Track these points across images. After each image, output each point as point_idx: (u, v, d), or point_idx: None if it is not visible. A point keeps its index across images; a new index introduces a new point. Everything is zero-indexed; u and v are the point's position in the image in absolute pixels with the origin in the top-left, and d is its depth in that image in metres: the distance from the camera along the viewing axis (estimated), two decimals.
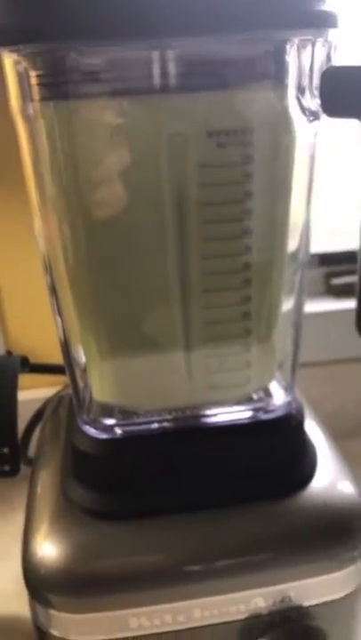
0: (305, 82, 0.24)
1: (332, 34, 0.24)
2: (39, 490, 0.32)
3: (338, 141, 0.51)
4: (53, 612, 0.27)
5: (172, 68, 0.23)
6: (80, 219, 0.26)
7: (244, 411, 0.30)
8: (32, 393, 0.45)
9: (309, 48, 0.23)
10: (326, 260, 0.56)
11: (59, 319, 0.30)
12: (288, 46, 0.23)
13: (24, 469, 0.38)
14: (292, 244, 0.29)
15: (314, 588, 0.28)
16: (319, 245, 0.57)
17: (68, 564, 0.27)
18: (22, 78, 0.24)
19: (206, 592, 0.27)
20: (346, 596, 0.29)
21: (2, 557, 0.45)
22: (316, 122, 0.25)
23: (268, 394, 0.31)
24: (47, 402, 0.41)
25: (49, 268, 0.29)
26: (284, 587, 0.28)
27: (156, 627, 0.27)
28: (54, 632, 0.28)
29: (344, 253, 0.57)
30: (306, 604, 0.29)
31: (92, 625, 0.27)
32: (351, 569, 0.29)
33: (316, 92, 0.23)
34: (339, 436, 0.35)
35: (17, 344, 0.51)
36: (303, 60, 0.23)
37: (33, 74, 0.23)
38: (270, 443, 0.30)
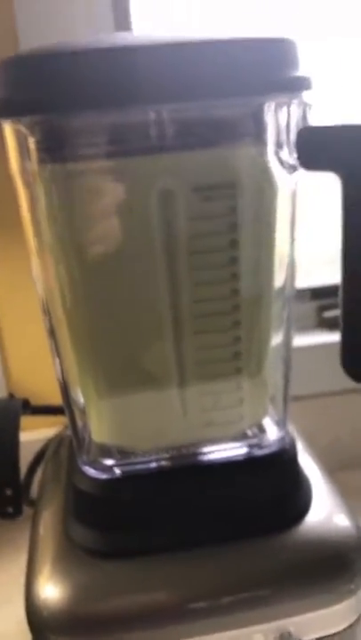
0: (283, 138, 0.26)
1: (306, 95, 0.26)
2: (41, 531, 0.32)
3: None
4: None
5: (160, 131, 0.25)
6: (76, 266, 0.27)
7: (238, 447, 0.31)
8: (33, 434, 0.46)
9: (285, 109, 0.25)
10: (318, 293, 0.57)
11: (57, 360, 0.31)
12: (266, 107, 0.25)
13: (26, 510, 0.38)
14: (279, 281, 0.30)
15: (314, 622, 0.29)
16: (316, 276, 0.59)
17: (70, 606, 0.28)
18: (21, 143, 0.25)
19: (207, 630, 0.28)
20: (346, 628, 0.29)
21: (5, 600, 0.45)
22: (295, 172, 0.27)
23: (261, 430, 0.32)
24: (48, 442, 0.42)
25: (47, 311, 0.30)
26: (283, 622, 0.28)
27: None
28: None
29: (335, 287, 0.58)
30: (306, 638, 0.29)
31: None
32: (350, 601, 0.29)
33: (294, 148, 0.25)
34: (334, 469, 0.36)
35: (19, 386, 0.52)
36: (280, 119, 0.25)
37: (31, 140, 0.25)
38: (265, 478, 0.31)
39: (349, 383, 0.55)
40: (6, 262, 0.49)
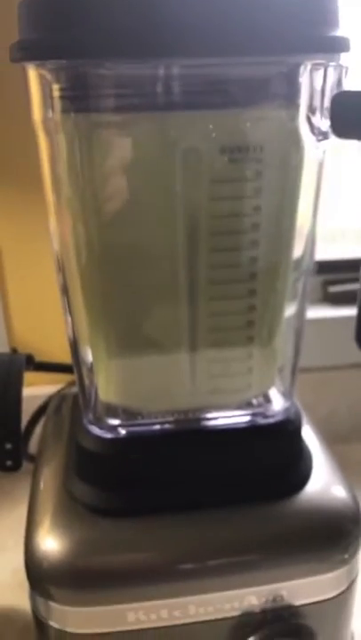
0: (316, 103, 0.25)
1: (343, 58, 0.25)
2: (42, 485, 0.33)
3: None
4: (53, 605, 0.28)
5: (187, 87, 0.24)
6: (94, 222, 0.27)
7: (243, 415, 0.31)
8: (33, 390, 0.46)
9: (322, 71, 0.24)
10: (324, 267, 0.57)
11: (69, 318, 0.31)
12: (301, 69, 0.24)
13: (24, 465, 0.38)
14: (297, 252, 0.30)
15: (305, 589, 0.30)
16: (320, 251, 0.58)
17: (69, 558, 0.28)
18: (45, 91, 0.24)
19: (201, 589, 0.28)
20: (336, 596, 0.30)
21: (0, 549, 0.46)
22: (325, 140, 0.26)
23: (267, 399, 0.32)
24: (49, 399, 0.42)
25: (62, 268, 0.30)
26: (276, 586, 0.29)
27: (152, 621, 0.28)
28: (53, 624, 0.29)
29: (342, 261, 0.58)
30: (297, 603, 0.30)
31: (91, 618, 0.28)
32: (342, 570, 0.30)
33: (327, 113, 0.24)
34: (332, 440, 0.36)
35: (21, 342, 0.52)
36: (315, 82, 0.24)
37: (55, 87, 0.24)
38: (268, 447, 0.31)
39: (351, 358, 0.55)
40: (13, 217, 0.49)
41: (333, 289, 0.56)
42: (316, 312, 0.55)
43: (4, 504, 0.50)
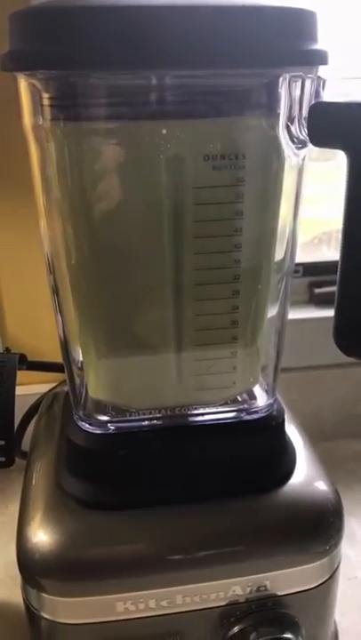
0: (295, 113, 0.26)
1: (321, 70, 0.26)
2: (34, 480, 0.33)
3: None
4: (45, 596, 0.29)
5: (173, 97, 0.25)
6: (83, 225, 0.28)
7: (228, 411, 0.32)
8: (26, 389, 0.47)
9: (300, 82, 0.25)
10: (310, 270, 0.58)
11: (59, 318, 0.32)
12: (281, 80, 0.25)
13: (17, 462, 0.39)
14: (279, 255, 0.31)
15: (288, 579, 0.31)
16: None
17: (60, 550, 0.29)
18: (35, 99, 0.25)
19: (188, 580, 0.29)
20: (318, 586, 0.31)
21: None
22: (303, 149, 0.27)
23: (251, 396, 0.33)
24: (42, 398, 0.43)
25: (52, 269, 0.31)
26: (260, 576, 0.30)
27: (140, 611, 0.29)
28: (45, 615, 0.30)
29: (327, 263, 0.59)
30: (280, 592, 0.31)
31: (81, 608, 0.29)
32: (324, 561, 0.31)
33: (305, 123, 0.26)
34: (317, 438, 0.38)
35: (14, 342, 0.52)
36: (294, 92, 0.26)
37: (45, 96, 0.25)
38: (252, 441, 0.32)
39: (336, 359, 0.56)
40: (5, 219, 0.49)
41: (319, 291, 0.57)
42: (302, 313, 0.56)
43: None
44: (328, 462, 0.35)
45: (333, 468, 0.34)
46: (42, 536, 0.30)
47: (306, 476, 0.33)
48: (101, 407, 0.32)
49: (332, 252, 0.60)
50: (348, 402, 0.58)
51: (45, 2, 0.24)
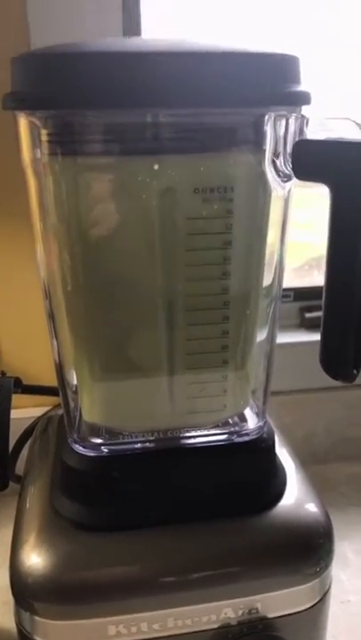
0: (280, 149, 0.27)
1: (305, 109, 0.27)
2: (28, 503, 0.34)
3: None
4: (38, 619, 0.29)
5: (165, 134, 0.26)
6: (78, 253, 0.29)
7: (220, 434, 0.33)
8: (21, 412, 0.48)
9: (284, 121, 0.27)
10: (301, 294, 0.59)
11: (55, 342, 0.33)
12: (266, 118, 0.27)
13: (11, 487, 0.40)
14: (267, 280, 0.32)
15: (279, 601, 0.31)
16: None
17: (53, 573, 0.29)
18: (34, 135, 0.27)
19: (180, 602, 0.30)
20: (309, 608, 0.32)
21: None
22: (289, 182, 0.29)
23: (242, 419, 0.34)
24: (36, 421, 0.43)
25: (48, 294, 0.32)
26: (251, 598, 0.30)
27: (133, 634, 0.30)
28: (38, 638, 0.30)
29: (317, 288, 0.60)
30: (272, 615, 0.31)
31: (74, 631, 0.29)
32: (314, 583, 0.31)
33: (289, 158, 0.27)
34: (310, 461, 0.38)
35: (9, 366, 0.53)
36: (279, 130, 0.27)
37: (44, 132, 0.26)
38: (243, 463, 0.33)
39: (327, 382, 0.57)
40: (0, 245, 0.51)
41: (310, 315, 0.58)
42: (293, 337, 0.57)
43: None
44: (321, 485, 0.35)
45: (326, 491, 0.35)
46: (35, 559, 0.30)
47: (296, 498, 0.34)
48: (95, 430, 0.33)
49: (322, 277, 0.62)
50: (341, 425, 0.59)
51: (45, 47, 0.26)
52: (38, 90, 0.25)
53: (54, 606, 0.29)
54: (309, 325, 0.58)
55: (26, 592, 0.30)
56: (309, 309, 0.59)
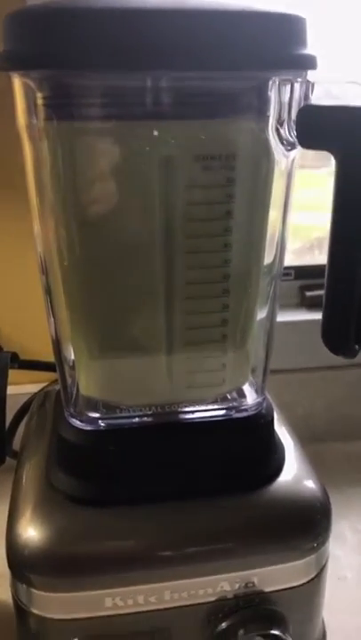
0: (284, 115, 0.26)
1: (310, 74, 0.26)
2: (24, 478, 0.34)
3: None
4: (34, 591, 0.29)
5: (165, 98, 0.25)
6: (76, 225, 0.28)
7: (218, 409, 0.33)
8: (18, 388, 0.47)
9: (289, 86, 0.26)
10: (301, 273, 0.59)
11: (52, 319, 0.32)
12: (270, 83, 0.26)
13: (8, 462, 0.39)
14: (268, 258, 0.31)
15: (276, 575, 0.31)
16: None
17: (49, 546, 0.29)
18: (29, 98, 0.26)
19: (176, 576, 0.30)
20: (305, 583, 0.32)
21: None
22: (293, 150, 0.28)
23: (241, 394, 0.34)
24: (33, 397, 0.43)
25: (45, 270, 0.31)
26: (247, 573, 0.30)
27: (129, 607, 0.30)
28: (34, 610, 0.30)
29: (318, 267, 0.60)
30: (268, 589, 0.31)
31: (70, 604, 0.29)
32: (311, 558, 0.31)
33: (294, 125, 0.26)
34: (309, 439, 0.38)
35: (5, 341, 0.53)
36: (283, 96, 0.26)
37: (39, 95, 0.25)
38: (241, 439, 0.32)
39: (327, 360, 0.57)
40: None
41: (310, 294, 0.58)
42: (293, 316, 0.57)
43: None
44: (319, 464, 0.35)
45: (325, 470, 0.35)
46: (31, 532, 0.30)
47: (294, 474, 0.34)
48: (92, 404, 0.32)
49: (323, 257, 0.61)
50: (340, 404, 0.58)
51: (40, 3, 0.25)
52: (32, 48, 0.24)
53: (50, 579, 0.29)
54: (310, 304, 0.57)
55: (22, 564, 0.30)
56: (310, 288, 0.58)
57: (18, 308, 0.53)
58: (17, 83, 0.26)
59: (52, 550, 0.29)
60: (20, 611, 0.31)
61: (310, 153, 0.27)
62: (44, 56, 0.24)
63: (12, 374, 0.42)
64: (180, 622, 0.31)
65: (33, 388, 0.44)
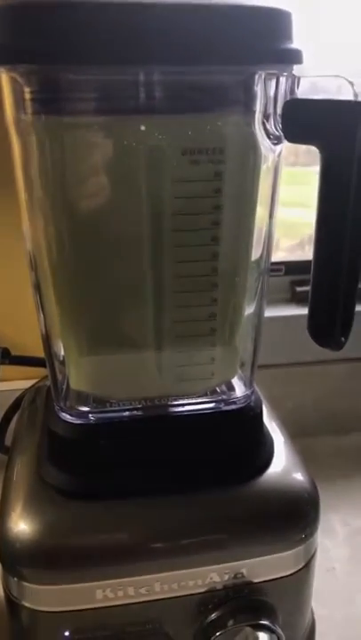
0: (270, 109, 0.27)
1: (296, 69, 0.27)
2: (15, 472, 0.34)
3: None
4: (25, 584, 0.29)
5: (153, 92, 0.26)
6: (64, 220, 0.28)
7: (208, 402, 0.33)
8: (7, 385, 0.47)
9: (275, 80, 0.26)
10: (292, 268, 0.59)
11: (41, 315, 0.32)
12: (256, 78, 0.26)
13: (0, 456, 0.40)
14: (256, 253, 0.31)
15: (264, 566, 0.31)
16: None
17: (40, 539, 0.29)
18: (17, 93, 0.26)
19: (166, 567, 0.30)
20: (294, 573, 0.32)
21: None
22: (279, 145, 0.28)
23: (230, 387, 0.34)
24: (24, 393, 0.43)
25: (34, 266, 0.31)
26: (237, 564, 0.31)
27: (120, 598, 0.30)
28: (26, 603, 0.30)
29: (308, 262, 0.60)
30: (257, 580, 0.31)
31: (61, 596, 0.30)
32: (300, 549, 0.32)
33: (280, 119, 0.26)
34: (299, 434, 0.38)
35: None
36: (269, 90, 0.26)
37: (27, 89, 0.26)
38: (231, 431, 0.33)
39: (317, 355, 0.57)
40: None
41: (300, 289, 0.58)
42: (284, 311, 0.57)
43: None
44: (309, 458, 0.35)
45: (315, 463, 0.35)
46: (22, 526, 0.30)
47: (283, 467, 0.34)
48: (82, 398, 0.33)
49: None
50: (330, 398, 0.59)
51: None
52: (18, 42, 0.24)
53: (41, 571, 0.29)
54: (300, 299, 0.58)
55: (13, 558, 0.30)
56: (300, 283, 0.58)
57: (8, 304, 0.52)
58: (4, 77, 0.26)
59: (42, 543, 0.29)
60: (12, 604, 0.31)
61: (302, 151, 0.27)
62: (31, 50, 0.24)
63: (4, 370, 0.42)
64: (171, 613, 0.31)
65: (25, 385, 0.44)
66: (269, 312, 0.50)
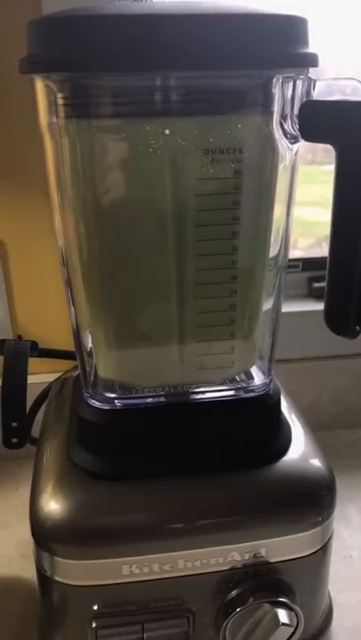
0: (287, 111, 0.28)
1: (312, 72, 0.28)
2: (45, 456, 0.36)
3: None
4: (57, 559, 0.31)
5: (176, 96, 0.27)
6: (93, 219, 0.30)
7: (227, 389, 0.35)
8: (34, 378, 0.49)
9: (292, 83, 0.28)
10: (309, 265, 0.60)
11: (72, 309, 0.34)
12: (274, 81, 0.28)
13: (26, 448, 0.41)
14: (273, 250, 0.33)
15: (282, 547, 0.33)
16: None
17: (70, 518, 0.31)
18: (50, 99, 0.28)
19: (189, 545, 0.31)
20: (310, 554, 0.33)
21: (4, 526, 0.48)
22: (296, 144, 0.30)
23: (249, 376, 0.36)
24: (51, 384, 0.45)
25: (65, 262, 0.33)
26: (256, 543, 0.32)
27: (145, 574, 0.31)
28: (57, 578, 0.32)
29: (325, 259, 0.61)
30: (275, 559, 0.33)
31: (90, 571, 0.31)
32: (316, 532, 0.33)
33: (296, 120, 0.28)
34: (316, 427, 0.39)
35: (24, 331, 0.55)
36: (286, 92, 0.28)
37: (60, 95, 0.27)
38: (250, 418, 0.34)
39: (334, 350, 0.58)
40: (17, 213, 0.52)
41: (317, 285, 0.59)
42: (301, 306, 0.58)
43: (8, 484, 0.53)
44: (326, 450, 0.36)
45: (332, 456, 0.36)
46: (53, 505, 0.32)
47: (301, 453, 0.35)
48: (109, 385, 0.34)
49: None
50: (347, 393, 0.60)
51: (60, 11, 0.27)
52: (53, 52, 0.26)
53: (71, 547, 0.31)
54: (317, 295, 0.59)
55: (45, 535, 0.32)
56: (317, 279, 0.59)
57: (36, 300, 0.55)
58: (39, 85, 0.28)
59: (72, 521, 0.31)
60: (43, 578, 0.33)
61: (319, 150, 0.29)
62: (64, 60, 0.26)
63: (32, 363, 0.44)
64: (194, 590, 0.32)
65: (50, 378, 0.46)
66: (287, 307, 0.51)
